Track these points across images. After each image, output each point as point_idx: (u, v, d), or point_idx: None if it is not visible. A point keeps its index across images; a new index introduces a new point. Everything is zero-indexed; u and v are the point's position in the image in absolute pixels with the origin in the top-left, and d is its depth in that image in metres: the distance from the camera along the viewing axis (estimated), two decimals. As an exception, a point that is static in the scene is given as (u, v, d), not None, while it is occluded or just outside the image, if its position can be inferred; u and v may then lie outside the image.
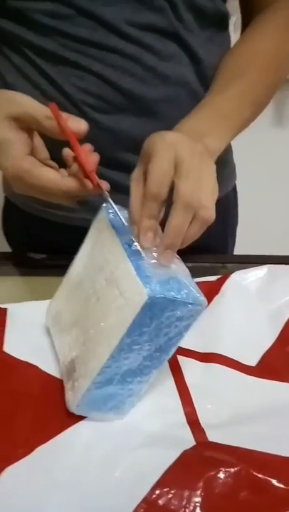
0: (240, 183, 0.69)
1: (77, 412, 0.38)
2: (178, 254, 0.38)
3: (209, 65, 0.51)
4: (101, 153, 0.52)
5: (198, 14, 0.48)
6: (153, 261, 0.35)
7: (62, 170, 0.40)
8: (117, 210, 0.38)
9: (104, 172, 0.53)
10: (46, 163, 0.40)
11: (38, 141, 0.41)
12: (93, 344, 0.37)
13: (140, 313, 0.33)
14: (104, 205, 0.40)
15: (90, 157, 0.38)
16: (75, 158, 0.38)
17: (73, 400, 0.38)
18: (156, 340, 0.35)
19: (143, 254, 0.36)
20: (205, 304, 0.35)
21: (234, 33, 0.59)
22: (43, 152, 0.41)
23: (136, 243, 0.36)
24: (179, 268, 0.37)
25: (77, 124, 0.38)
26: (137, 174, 0.37)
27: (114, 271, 0.36)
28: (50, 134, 0.38)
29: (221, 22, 0.52)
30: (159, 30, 0.47)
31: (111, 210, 0.39)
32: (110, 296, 0.36)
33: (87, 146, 0.39)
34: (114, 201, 0.39)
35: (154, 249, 0.36)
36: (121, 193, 0.56)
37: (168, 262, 0.35)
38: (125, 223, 0.38)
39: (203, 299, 0.35)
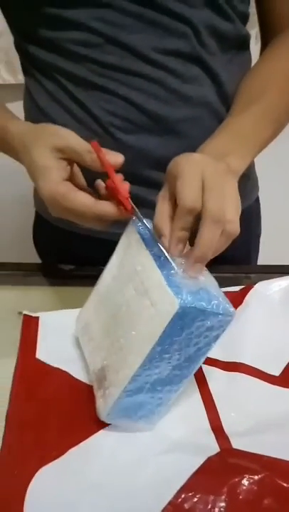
0: (262, 195, 0.70)
1: (107, 421, 0.40)
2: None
3: (230, 85, 0.53)
4: (127, 171, 0.54)
5: (220, 38, 0.50)
6: (182, 272, 0.37)
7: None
8: (146, 223, 0.40)
9: (131, 188, 0.56)
10: (83, 188, 0.42)
11: (76, 169, 0.43)
12: (124, 353, 0.38)
13: (171, 322, 0.34)
14: (133, 219, 0.42)
15: (124, 185, 0.41)
16: (108, 188, 0.41)
17: (104, 408, 0.39)
18: (186, 350, 0.36)
19: (173, 265, 0.37)
20: (234, 314, 0.36)
21: (255, 45, 0.61)
22: (81, 179, 0.44)
23: (166, 254, 0.38)
24: (208, 279, 0.38)
25: (115, 158, 0.41)
26: (163, 192, 0.39)
27: (145, 281, 0.38)
28: (90, 166, 0.41)
29: (242, 44, 0.54)
30: (183, 55, 0.49)
31: (140, 224, 0.41)
32: (141, 305, 0.38)
33: (120, 176, 0.42)
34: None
35: (182, 261, 0.38)
36: (145, 207, 0.58)
37: (197, 274, 0.37)
38: (156, 238, 0.39)
39: (232, 309, 0.36)
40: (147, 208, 0.57)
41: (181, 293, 0.34)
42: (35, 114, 0.55)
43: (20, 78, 1.08)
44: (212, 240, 0.36)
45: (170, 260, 0.37)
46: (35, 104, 0.55)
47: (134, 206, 0.41)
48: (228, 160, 0.41)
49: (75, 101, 0.52)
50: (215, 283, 0.39)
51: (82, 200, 0.40)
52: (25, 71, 0.56)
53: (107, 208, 0.40)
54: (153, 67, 0.49)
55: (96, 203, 0.40)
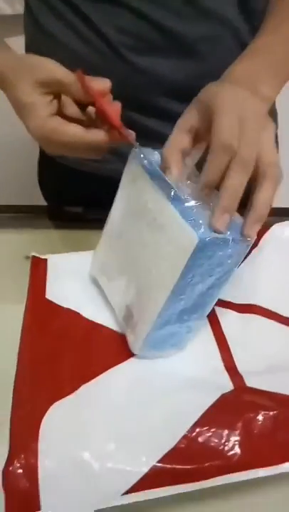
0: (280, 134, 0.66)
1: (140, 354, 0.40)
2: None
3: (253, 4, 0.48)
4: (138, 99, 0.51)
5: None
6: (194, 203, 0.35)
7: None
8: (149, 157, 0.38)
9: (141, 119, 0.52)
10: (74, 119, 0.40)
11: (66, 98, 0.40)
12: (147, 291, 0.38)
13: (192, 256, 0.33)
14: (132, 153, 0.40)
15: (114, 107, 0.39)
16: (99, 114, 0.39)
17: (136, 343, 0.40)
18: (209, 280, 0.36)
19: (184, 198, 0.35)
20: (253, 237, 0.35)
21: None
22: (73, 107, 0.41)
23: (174, 188, 0.36)
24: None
25: (102, 83, 0.39)
26: (182, 122, 0.36)
27: (158, 218, 0.36)
28: (76, 96, 0.38)
29: None
30: None
31: (142, 155, 0.39)
32: (157, 243, 0.36)
33: (109, 97, 0.39)
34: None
35: (192, 190, 0.36)
36: (157, 142, 0.54)
37: (225, 228, 0.34)
38: (160, 170, 0.37)
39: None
40: (161, 142, 0.53)
41: (198, 225, 0.33)
42: (36, 32, 0.50)
43: (18, 8, 0.99)
44: (239, 188, 0.34)
45: (179, 192, 0.35)
46: (36, 21, 0.50)
47: (129, 130, 0.38)
48: (260, 88, 0.37)
49: (80, 16, 0.47)
50: None
51: (73, 131, 0.38)
52: None
53: (98, 135, 0.39)
54: None
55: (87, 132, 0.38)
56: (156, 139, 0.54)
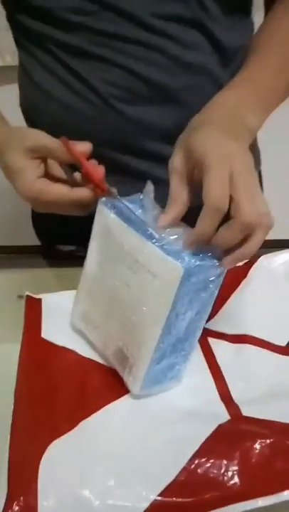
0: (265, 169, 0.69)
1: (141, 393, 0.41)
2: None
3: (231, 52, 0.52)
4: (128, 144, 0.54)
5: (222, 2, 0.49)
6: (171, 238, 0.37)
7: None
8: (127, 204, 0.41)
9: (132, 162, 0.55)
10: (60, 179, 0.44)
11: (51, 161, 0.44)
12: (140, 328, 0.39)
13: (180, 286, 0.35)
14: (98, 207, 0.42)
15: (98, 169, 0.42)
16: (84, 174, 0.42)
17: (136, 383, 0.40)
18: (196, 305, 0.38)
19: (160, 236, 0.38)
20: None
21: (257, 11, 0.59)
22: (57, 169, 0.44)
23: (149, 228, 0.38)
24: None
25: (83, 146, 0.42)
26: (179, 166, 0.38)
27: (139, 258, 0.38)
28: (62, 160, 0.42)
29: (244, 7, 0.53)
30: (183, 20, 0.48)
31: (110, 205, 0.41)
32: (142, 281, 0.38)
33: (93, 161, 0.43)
34: (139, 190, 0.42)
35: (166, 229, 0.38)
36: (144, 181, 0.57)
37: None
38: (135, 214, 0.40)
39: (221, 254, 0.37)
40: (154, 183, 0.56)
41: (180, 257, 0.36)
42: (30, 89, 0.54)
43: (8, 60, 1.05)
44: (228, 239, 0.35)
45: (154, 231, 0.38)
46: (30, 79, 0.53)
47: (110, 187, 0.42)
48: (247, 118, 0.40)
49: (71, 72, 0.51)
50: None
51: (58, 190, 0.42)
52: (19, 45, 0.54)
53: (82, 192, 0.42)
54: (152, 33, 0.48)
55: (71, 191, 0.42)
56: (146, 180, 0.57)
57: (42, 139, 0.42)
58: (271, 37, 0.49)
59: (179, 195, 0.38)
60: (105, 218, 0.41)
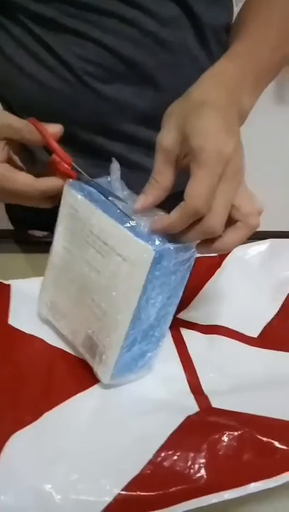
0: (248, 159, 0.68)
1: (112, 382, 0.39)
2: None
3: (211, 30, 0.50)
4: (103, 125, 0.52)
5: None
6: (141, 220, 0.36)
7: None
8: (86, 188, 0.39)
9: (106, 144, 0.53)
10: (23, 169, 0.41)
11: (10, 153, 0.41)
12: (110, 315, 0.38)
13: (151, 269, 0.34)
14: (66, 187, 0.40)
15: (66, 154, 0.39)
16: (49, 163, 0.40)
17: (106, 371, 0.39)
18: (167, 289, 0.37)
19: (131, 218, 0.36)
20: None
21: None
22: (17, 161, 0.41)
23: (119, 210, 0.36)
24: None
25: (54, 127, 0.39)
26: (169, 147, 0.34)
27: (108, 241, 0.37)
28: (29, 140, 0.39)
29: None
30: None
31: (78, 187, 0.39)
32: (112, 265, 0.37)
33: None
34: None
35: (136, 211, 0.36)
36: (122, 166, 0.55)
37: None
38: (107, 194, 0.38)
39: None
40: (126, 167, 0.54)
41: (151, 239, 0.35)
42: (2, 63, 0.51)
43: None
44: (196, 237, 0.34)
45: (126, 213, 0.36)
46: (2, 53, 0.50)
47: (79, 169, 0.39)
48: (242, 98, 0.38)
49: (43, 46, 0.48)
50: None
51: (23, 179, 0.39)
52: None
53: (50, 181, 0.39)
54: (126, 5, 0.45)
55: (38, 180, 0.39)
56: (124, 164, 0.55)
57: (6, 117, 0.39)
58: (268, 11, 0.46)
59: (162, 179, 0.35)
60: (73, 200, 0.39)
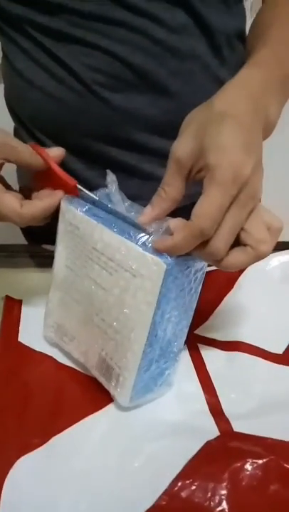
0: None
1: (131, 405, 0.37)
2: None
3: (222, 37, 0.49)
4: (114, 135, 0.51)
5: None
6: (148, 232, 0.34)
7: None
8: (97, 199, 0.37)
9: (118, 154, 0.52)
10: (11, 189, 0.39)
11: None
12: (123, 334, 0.36)
13: (164, 282, 0.32)
14: (63, 203, 0.38)
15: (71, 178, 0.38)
16: (53, 179, 0.38)
17: (124, 394, 0.37)
18: (182, 301, 0.35)
19: (136, 231, 0.34)
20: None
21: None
22: (5, 184, 0.40)
23: (125, 220, 0.35)
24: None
25: (56, 151, 0.38)
26: (183, 158, 0.32)
27: (114, 257, 0.35)
28: (29, 162, 0.37)
29: None
30: (168, 0, 0.45)
31: (76, 204, 0.37)
32: (121, 281, 0.35)
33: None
34: (126, 186, 0.38)
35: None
36: (134, 177, 0.54)
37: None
38: (109, 208, 0.36)
39: None
40: (137, 177, 0.53)
41: (160, 252, 0.33)
42: (13, 77, 0.51)
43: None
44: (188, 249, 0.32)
45: (131, 225, 0.34)
46: (12, 67, 0.50)
47: (85, 190, 0.37)
48: (268, 109, 0.35)
49: (53, 58, 0.48)
50: None
51: (9, 204, 0.37)
52: (0, 31, 0.52)
53: (35, 207, 0.37)
54: (134, 14, 0.45)
55: (23, 206, 0.37)
56: (136, 175, 0.53)
57: (9, 139, 0.37)
58: (274, 17, 0.45)
59: (171, 190, 0.33)
60: (72, 217, 0.37)
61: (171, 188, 0.33)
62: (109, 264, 0.35)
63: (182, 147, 0.32)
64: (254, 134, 0.33)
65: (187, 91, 0.41)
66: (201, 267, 0.35)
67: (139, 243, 0.33)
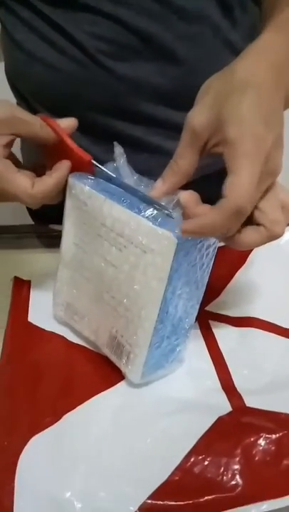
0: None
1: (142, 381, 0.37)
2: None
3: None
4: (120, 107, 0.49)
5: None
6: (160, 205, 0.33)
7: None
8: (113, 175, 0.35)
9: (125, 128, 0.50)
10: (23, 167, 0.37)
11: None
12: (134, 311, 0.35)
13: (175, 257, 0.31)
14: (70, 179, 0.37)
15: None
16: (64, 151, 0.36)
17: (135, 371, 0.36)
18: (193, 277, 0.34)
19: (147, 205, 0.33)
20: None
21: None
22: (18, 162, 0.38)
23: (135, 194, 0.33)
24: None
25: (68, 121, 0.36)
26: (199, 129, 0.30)
27: (124, 232, 0.34)
28: (39, 135, 0.35)
29: None
30: None
31: (84, 179, 0.36)
32: (131, 257, 0.34)
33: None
34: (134, 160, 0.36)
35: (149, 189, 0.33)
36: (142, 151, 0.52)
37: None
38: (119, 182, 0.35)
39: None
40: (147, 151, 0.51)
41: (170, 225, 0.31)
42: (13, 50, 0.49)
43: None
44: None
45: (141, 199, 0.33)
46: (11, 39, 0.49)
47: (100, 166, 0.35)
48: None
49: (53, 27, 0.45)
50: None
51: (21, 184, 0.35)
52: None
53: (45, 185, 0.35)
54: None
55: (34, 186, 0.35)
56: (143, 149, 0.51)
57: (17, 110, 0.35)
58: None
59: (183, 163, 0.31)
60: (79, 193, 0.36)
61: (183, 161, 0.32)
62: (119, 240, 0.34)
63: (198, 117, 0.31)
64: (276, 106, 0.31)
65: (196, 56, 0.39)
66: (213, 241, 0.34)
67: (150, 218, 0.32)
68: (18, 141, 0.47)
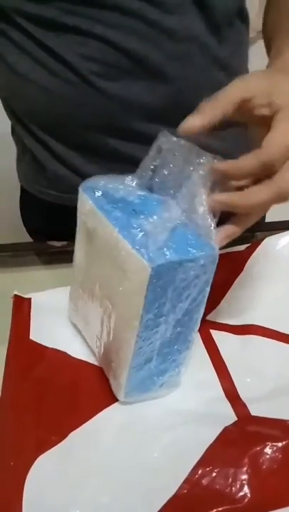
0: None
1: (126, 400, 0.37)
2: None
3: (221, 13, 0.47)
4: (114, 126, 0.49)
5: None
6: (148, 221, 0.32)
7: None
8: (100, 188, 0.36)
9: (119, 146, 0.51)
10: None
11: None
12: (118, 330, 0.35)
13: (150, 287, 0.30)
14: (80, 190, 0.37)
15: None
16: None
17: (119, 388, 0.36)
18: (180, 306, 0.33)
19: (134, 220, 0.32)
20: (216, 247, 0.32)
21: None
22: None
23: (121, 207, 0.33)
24: (178, 215, 0.33)
25: None
26: (234, 98, 0.33)
27: (113, 250, 0.33)
28: None
29: None
30: None
31: (91, 191, 0.36)
32: (116, 279, 0.33)
33: None
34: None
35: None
36: (136, 168, 0.52)
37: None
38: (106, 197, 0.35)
39: (212, 244, 0.32)
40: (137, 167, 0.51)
41: (149, 250, 0.30)
42: (5, 72, 0.50)
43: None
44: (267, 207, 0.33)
45: (128, 215, 0.33)
46: (4, 61, 0.49)
47: None
48: None
49: (45, 50, 0.46)
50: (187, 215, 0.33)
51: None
52: None
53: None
54: None
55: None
56: (136, 165, 0.52)
57: None
58: None
59: (224, 103, 0.33)
60: (83, 208, 0.37)
61: (224, 101, 0.33)
62: (111, 259, 0.34)
63: (252, 78, 0.34)
64: None
65: (185, 74, 0.40)
66: (203, 271, 0.32)
67: (132, 237, 0.31)
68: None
